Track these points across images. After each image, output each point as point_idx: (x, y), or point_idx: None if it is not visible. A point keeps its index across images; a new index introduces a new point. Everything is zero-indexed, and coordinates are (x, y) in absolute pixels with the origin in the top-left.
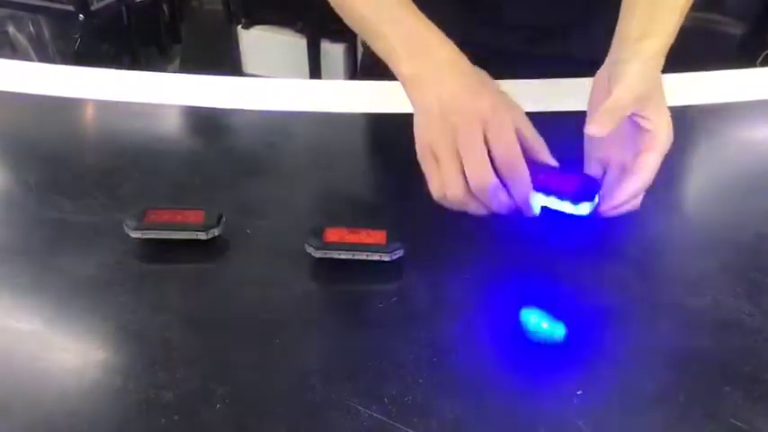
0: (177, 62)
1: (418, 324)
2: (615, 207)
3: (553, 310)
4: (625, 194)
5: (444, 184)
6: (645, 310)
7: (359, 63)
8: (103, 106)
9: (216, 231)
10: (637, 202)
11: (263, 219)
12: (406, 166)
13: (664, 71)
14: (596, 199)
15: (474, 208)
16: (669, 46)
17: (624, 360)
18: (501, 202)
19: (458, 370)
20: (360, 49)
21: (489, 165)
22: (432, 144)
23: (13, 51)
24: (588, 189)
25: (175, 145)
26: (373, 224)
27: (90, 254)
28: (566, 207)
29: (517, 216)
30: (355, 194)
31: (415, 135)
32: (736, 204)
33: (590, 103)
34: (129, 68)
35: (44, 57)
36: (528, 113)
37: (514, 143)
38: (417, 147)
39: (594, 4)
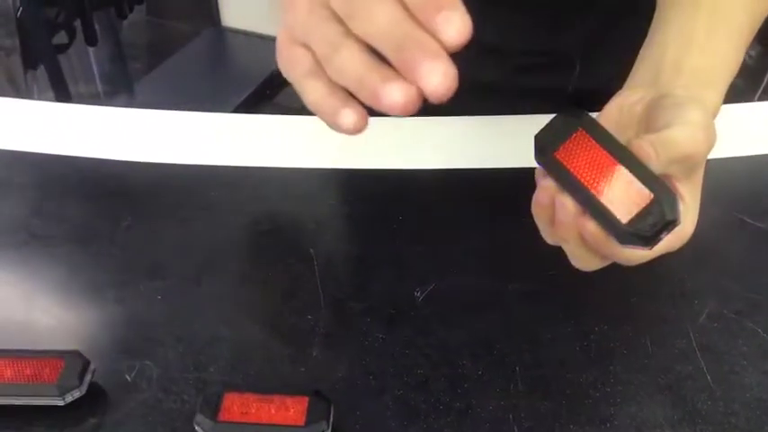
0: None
1: None
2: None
3: None
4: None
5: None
6: None
7: None
8: None
9: (78, 393)
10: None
11: (154, 355)
12: (351, 282)
13: None
14: None
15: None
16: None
17: None
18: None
19: None
20: None
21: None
22: (291, 24)
23: None
24: None
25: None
26: (294, 384)
27: None
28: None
29: None
30: (272, 332)
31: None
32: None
33: None
34: (83, 35)
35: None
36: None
37: None
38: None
39: (601, 31)
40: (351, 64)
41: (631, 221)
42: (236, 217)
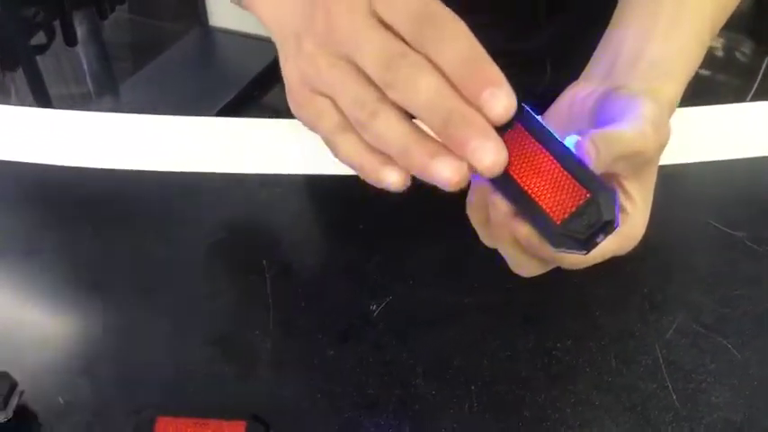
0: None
1: None
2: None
3: None
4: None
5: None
6: None
7: None
8: None
9: (3, 416)
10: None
11: (88, 375)
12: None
13: None
14: None
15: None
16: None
17: None
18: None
19: None
20: None
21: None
22: (309, 75)
23: None
24: None
25: None
26: (234, 407)
27: None
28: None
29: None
30: (215, 350)
31: (284, 75)
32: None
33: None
34: (62, 36)
35: None
36: None
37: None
38: (288, 93)
39: (571, 33)
40: (393, 134)
41: (565, 222)
42: (187, 227)
